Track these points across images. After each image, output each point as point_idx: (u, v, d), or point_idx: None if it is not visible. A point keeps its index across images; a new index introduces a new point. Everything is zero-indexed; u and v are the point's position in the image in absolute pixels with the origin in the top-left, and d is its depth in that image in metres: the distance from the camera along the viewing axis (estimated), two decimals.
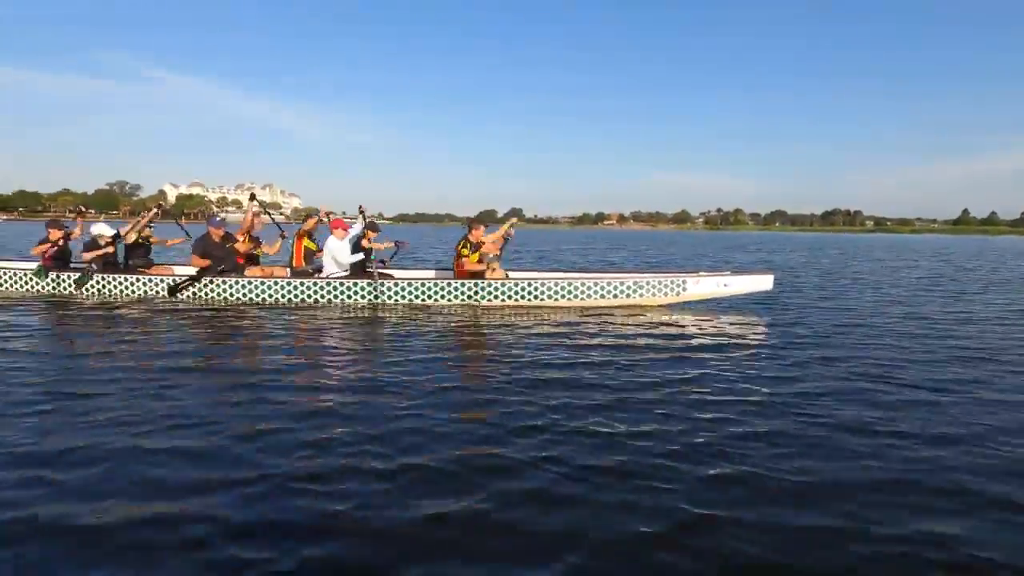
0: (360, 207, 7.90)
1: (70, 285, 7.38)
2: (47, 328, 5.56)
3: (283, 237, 8.08)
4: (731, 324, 6.26)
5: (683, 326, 6.03)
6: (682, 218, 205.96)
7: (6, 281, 7.57)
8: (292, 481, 2.33)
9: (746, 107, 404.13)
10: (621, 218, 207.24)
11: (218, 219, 7.73)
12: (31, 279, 7.45)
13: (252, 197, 8.24)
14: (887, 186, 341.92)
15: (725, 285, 7.37)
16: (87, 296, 7.27)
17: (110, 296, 7.32)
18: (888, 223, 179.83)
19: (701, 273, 7.52)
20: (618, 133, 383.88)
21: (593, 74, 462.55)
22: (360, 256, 7.37)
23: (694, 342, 5.21)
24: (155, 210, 8.12)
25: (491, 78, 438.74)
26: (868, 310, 7.49)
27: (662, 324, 6.11)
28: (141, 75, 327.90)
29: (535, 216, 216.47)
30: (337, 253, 7.28)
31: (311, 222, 8.01)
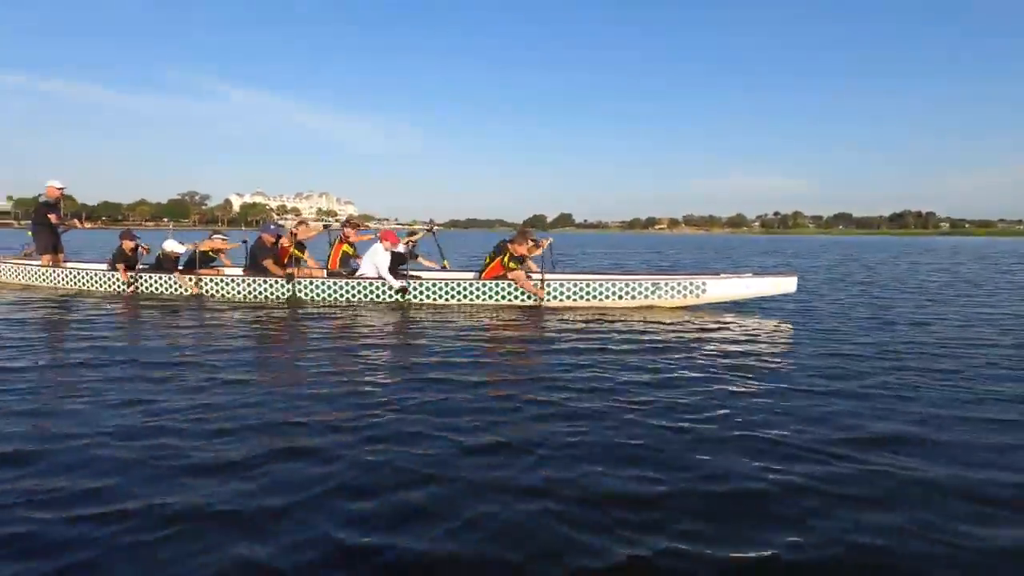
0: (431, 221, 9.06)
1: (122, 285, 8.35)
2: (117, 321, 6.28)
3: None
4: (733, 325, 6.31)
5: (692, 327, 6.13)
6: (737, 222, 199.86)
7: (87, 280, 8.57)
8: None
9: (808, 106, 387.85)
10: (672, 222, 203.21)
11: (272, 227, 8.45)
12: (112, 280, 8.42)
13: (326, 226, 9.13)
14: (968, 186, 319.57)
15: (746, 287, 7.38)
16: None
17: (172, 294, 8.15)
18: (966, 225, 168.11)
19: (721, 275, 7.56)
20: (666, 136, 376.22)
21: (634, 75, 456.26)
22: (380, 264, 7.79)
23: (701, 344, 5.29)
24: (238, 244, 8.80)
25: (543, 87, 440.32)
26: (841, 312, 7.30)
27: (672, 325, 6.24)
28: (207, 90, 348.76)
29: (585, 221, 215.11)
30: (379, 261, 7.68)
31: (352, 232, 8.64)
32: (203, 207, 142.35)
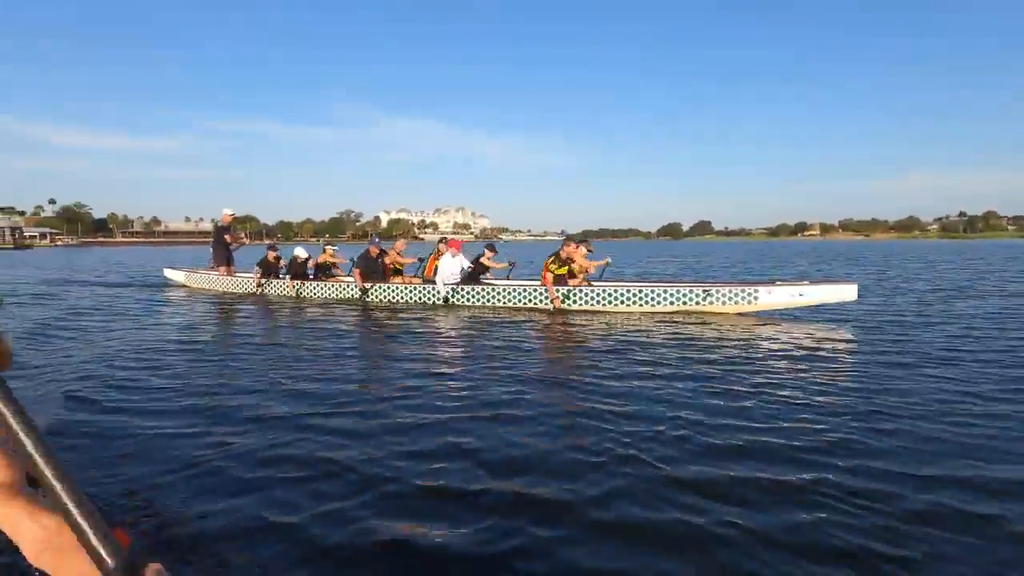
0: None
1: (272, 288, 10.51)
2: (263, 317, 8.26)
3: (419, 260, 10.35)
4: (780, 334, 6.49)
5: (741, 335, 6.38)
6: (907, 225, 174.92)
7: (250, 286, 10.97)
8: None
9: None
10: (825, 227, 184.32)
11: (376, 240, 10.25)
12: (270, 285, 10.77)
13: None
14: None
15: (800, 295, 7.42)
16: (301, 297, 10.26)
17: (306, 297, 10.22)
18: None
19: (776, 282, 7.67)
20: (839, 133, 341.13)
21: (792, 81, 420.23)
22: (453, 271, 9.18)
23: (741, 352, 5.33)
24: (346, 261, 10.70)
25: (681, 93, 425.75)
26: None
27: (719, 333, 6.58)
28: (361, 119, 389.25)
29: (726, 228, 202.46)
30: (445, 265, 9.21)
31: (443, 245, 10.13)
32: (356, 223, 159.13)
